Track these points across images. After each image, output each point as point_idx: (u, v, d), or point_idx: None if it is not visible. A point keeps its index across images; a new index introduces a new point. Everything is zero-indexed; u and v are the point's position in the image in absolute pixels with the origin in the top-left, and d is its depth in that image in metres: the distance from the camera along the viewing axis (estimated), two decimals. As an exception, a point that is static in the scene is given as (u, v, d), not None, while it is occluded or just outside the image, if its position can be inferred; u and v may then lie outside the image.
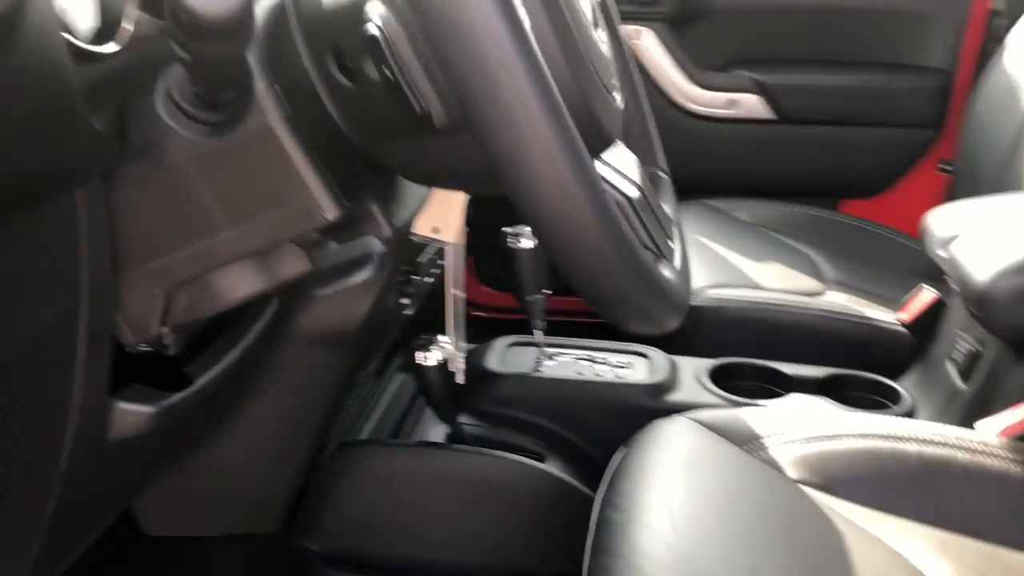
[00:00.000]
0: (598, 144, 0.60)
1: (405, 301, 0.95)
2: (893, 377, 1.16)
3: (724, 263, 1.40)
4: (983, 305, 0.92)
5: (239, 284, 0.60)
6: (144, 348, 0.61)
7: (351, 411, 1.13)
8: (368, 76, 0.57)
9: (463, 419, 1.08)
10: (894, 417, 1.00)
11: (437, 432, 1.09)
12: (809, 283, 1.38)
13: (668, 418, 0.87)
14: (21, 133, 0.43)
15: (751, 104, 1.75)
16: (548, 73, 0.49)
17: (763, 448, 0.84)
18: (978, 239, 0.99)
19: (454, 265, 0.81)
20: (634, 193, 0.65)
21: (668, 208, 0.69)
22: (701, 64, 1.76)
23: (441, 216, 0.72)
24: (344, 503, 1.04)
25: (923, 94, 1.73)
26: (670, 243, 0.67)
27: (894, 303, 1.29)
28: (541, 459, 1.05)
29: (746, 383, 1.14)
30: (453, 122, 0.56)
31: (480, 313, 1.79)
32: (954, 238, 1.02)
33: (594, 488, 1.03)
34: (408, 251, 0.91)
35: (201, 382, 0.65)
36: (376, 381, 1.22)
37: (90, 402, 0.55)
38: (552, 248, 0.52)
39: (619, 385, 1.10)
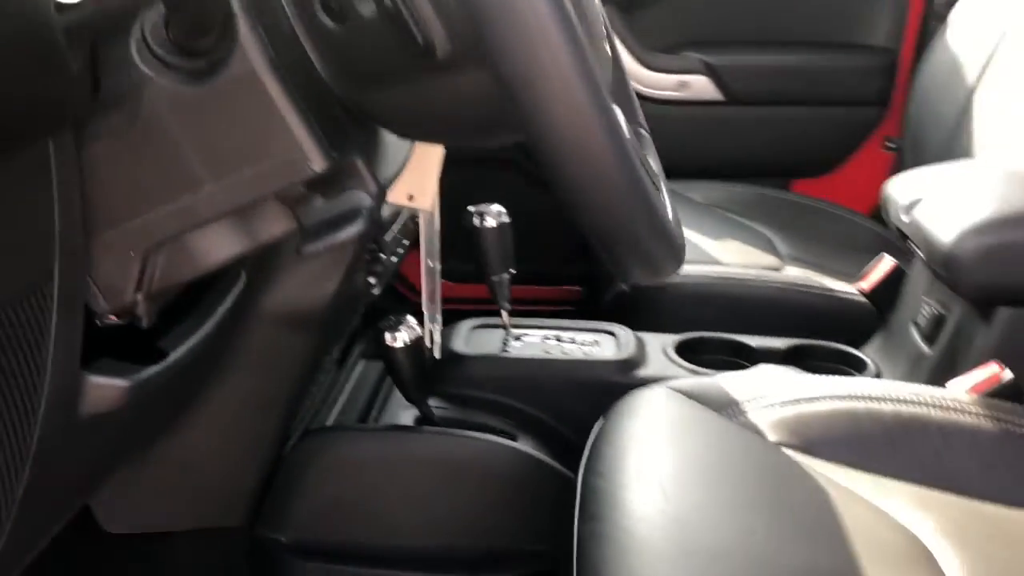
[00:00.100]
0: None
1: (372, 280, 0.93)
2: (856, 346, 1.17)
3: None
4: (949, 266, 0.94)
5: (219, 246, 0.57)
6: (113, 321, 0.58)
7: (314, 399, 1.10)
8: (358, 13, 0.55)
9: (431, 403, 1.06)
10: (868, 379, 1.01)
11: (405, 416, 1.07)
12: (767, 259, 1.39)
13: (645, 387, 0.87)
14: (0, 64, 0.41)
15: (701, 86, 1.76)
16: None
17: (742, 413, 0.84)
18: (940, 203, 1.01)
19: (428, 234, 0.79)
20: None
21: (654, 164, 0.69)
22: (650, 46, 1.76)
23: (417, 183, 0.70)
24: (312, 492, 1.01)
25: (869, 73, 1.76)
26: (661, 196, 0.66)
27: (850, 276, 1.31)
28: (513, 439, 1.04)
29: (712, 357, 1.15)
30: (457, 50, 0.53)
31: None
32: (916, 203, 1.03)
33: (567, 467, 1.02)
34: (376, 227, 0.89)
35: (175, 356, 0.62)
36: (338, 370, 1.19)
37: (63, 374, 0.52)
38: (563, 176, 0.51)
39: (588, 362, 1.09)
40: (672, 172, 1.64)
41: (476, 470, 1.01)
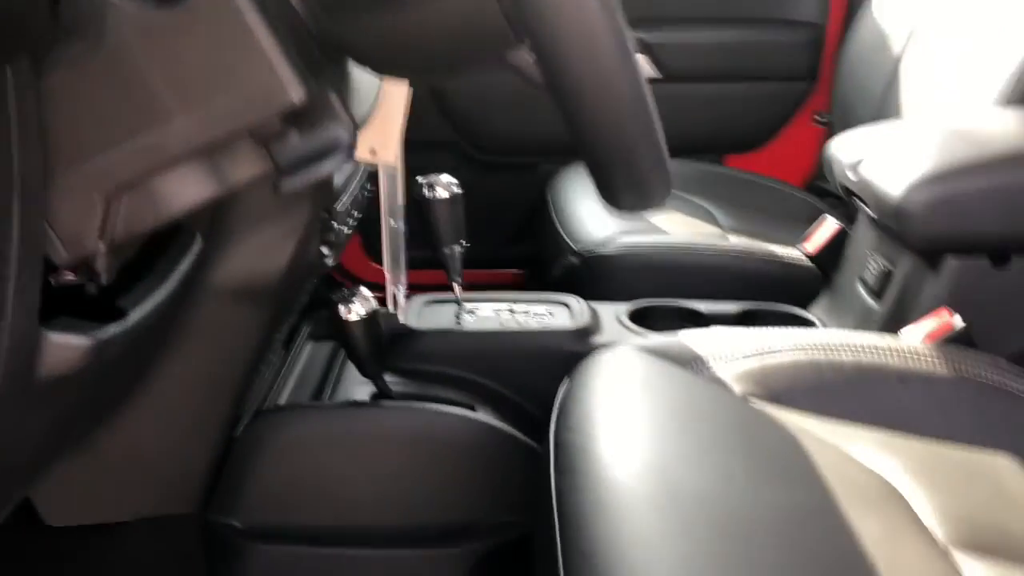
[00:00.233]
0: None
1: (325, 251, 0.90)
2: (803, 307, 1.19)
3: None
4: (900, 217, 0.95)
5: (187, 189, 0.54)
6: (69, 279, 0.55)
7: (264, 380, 1.07)
8: None
9: (387, 379, 1.04)
10: (827, 330, 1.03)
11: (361, 392, 1.04)
12: (710, 229, 1.41)
13: (609, 347, 0.86)
14: None
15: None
16: None
17: (707, 367, 0.84)
18: (885, 159, 1.03)
19: (390, 189, 0.77)
20: None
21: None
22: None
23: (380, 137, 0.68)
24: (267, 473, 0.98)
25: (797, 48, 1.80)
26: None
27: (790, 244, 1.33)
28: (472, 411, 1.02)
29: (664, 323, 1.15)
30: None
31: (376, 294, 1.74)
32: (861, 161, 1.05)
33: (527, 437, 1.01)
34: (326, 196, 0.86)
35: (136, 316, 0.59)
36: (286, 351, 1.16)
37: (21, 329, 0.49)
38: (570, 90, 0.49)
39: (544, 332, 1.09)
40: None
41: (436, 442, 0.99)
